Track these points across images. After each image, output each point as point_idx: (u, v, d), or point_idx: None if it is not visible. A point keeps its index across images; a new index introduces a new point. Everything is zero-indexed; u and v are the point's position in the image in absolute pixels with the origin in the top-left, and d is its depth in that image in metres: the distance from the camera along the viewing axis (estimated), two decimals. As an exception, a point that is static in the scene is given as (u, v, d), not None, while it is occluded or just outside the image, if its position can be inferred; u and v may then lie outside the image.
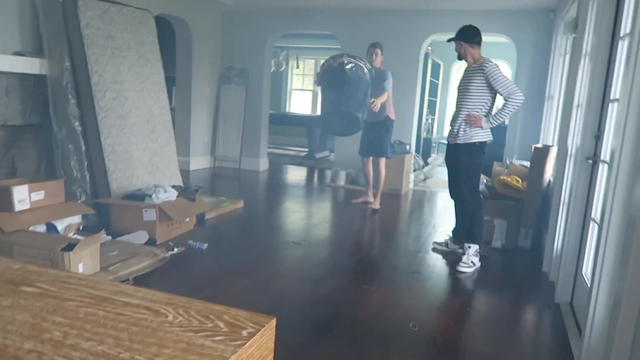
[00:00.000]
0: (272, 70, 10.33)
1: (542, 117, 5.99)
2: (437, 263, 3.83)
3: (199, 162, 7.43)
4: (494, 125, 3.51)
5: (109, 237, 3.61)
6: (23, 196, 3.20)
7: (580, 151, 2.89)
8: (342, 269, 3.63)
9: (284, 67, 9.98)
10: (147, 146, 4.44)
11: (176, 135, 7.26)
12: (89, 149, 4.00)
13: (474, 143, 3.55)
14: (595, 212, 2.70)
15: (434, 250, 4.06)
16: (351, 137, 5.47)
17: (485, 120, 3.51)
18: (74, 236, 3.34)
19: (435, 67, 8.88)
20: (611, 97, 2.64)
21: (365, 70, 4.86)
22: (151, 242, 3.66)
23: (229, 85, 7.56)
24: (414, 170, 7.30)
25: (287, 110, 11.88)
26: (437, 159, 7.67)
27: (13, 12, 3.97)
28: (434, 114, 9.18)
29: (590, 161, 2.76)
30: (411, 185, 7.00)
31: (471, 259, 3.61)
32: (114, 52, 4.15)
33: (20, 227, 3.07)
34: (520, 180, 4.55)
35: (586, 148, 2.85)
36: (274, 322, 0.77)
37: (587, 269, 2.87)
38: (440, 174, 7.84)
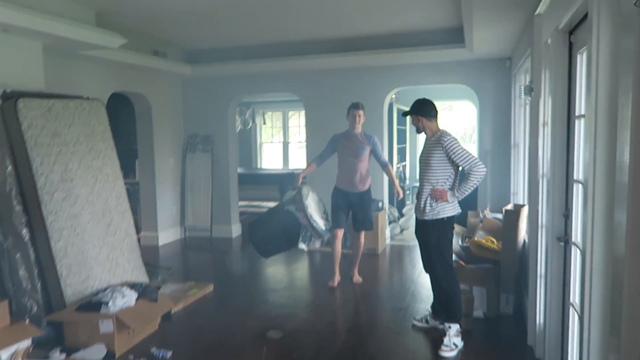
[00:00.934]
0: (239, 129, 10.27)
1: (511, 164, 5.96)
2: (419, 347, 3.63)
3: (168, 235, 7.16)
4: (460, 198, 3.40)
5: (63, 355, 3.32)
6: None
7: (550, 230, 2.77)
8: (318, 364, 3.39)
9: (250, 124, 9.89)
10: (104, 242, 4.19)
11: (142, 209, 7.04)
12: (39, 256, 3.75)
13: (442, 219, 3.43)
14: (574, 296, 2.56)
15: (414, 328, 3.86)
16: (327, 195, 5.24)
17: (450, 193, 3.40)
18: (22, 363, 3.05)
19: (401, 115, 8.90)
20: (574, 178, 2.54)
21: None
22: (109, 356, 3.38)
23: (193, 153, 7.39)
24: (389, 223, 7.17)
25: (258, 166, 11.74)
26: (412, 209, 7.56)
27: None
28: (404, 160, 9.14)
29: (562, 243, 2.64)
30: (388, 241, 6.85)
31: (453, 341, 3.42)
32: (61, 150, 3.95)
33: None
34: (495, 241, 4.44)
35: (556, 227, 2.73)
36: None
37: (573, 351, 2.71)
38: (417, 222, 7.77)
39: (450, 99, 10.17)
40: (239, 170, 10.23)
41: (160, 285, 4.52)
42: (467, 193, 3.37)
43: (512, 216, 4.03)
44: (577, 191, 2.52)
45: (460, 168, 3.45)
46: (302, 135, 9.39)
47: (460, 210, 3.50)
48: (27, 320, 3.51)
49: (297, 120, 11.85)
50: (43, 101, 3.92)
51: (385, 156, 5.00)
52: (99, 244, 4.12)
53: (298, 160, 11.14)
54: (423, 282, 5.03)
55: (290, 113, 11.76)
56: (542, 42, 3.24)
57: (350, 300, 4.80)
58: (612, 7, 1.76)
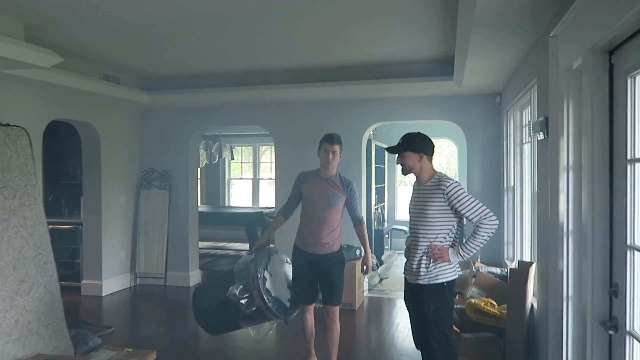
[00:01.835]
0: (204, 164, 9.50)
1: (504, 210, 5.35)
2: None
3: (115, 283, 6.23)
4: (465, 258, 2.70)
5: None
6: None
7: (589, 310, 2.09)
8: None
9: (217, 159, 9.14)
10: (13, 303, 3.32)
11: (84, 255, 6.13)
12: None
13: (442, 284, 2.71)
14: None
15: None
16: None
17: (452, 252, 2.70)
18: None
19: (380, 152, 8.30)
20: (628, 243, 1.88)
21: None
22: None
23: (149, 190, 6.57)
24: (365, 273, 6.40)
25: (226, 203, 10.91)
26: (392, 255, 6.85)
27: None
28: (382, 201, 8.49)
29: (610, 331, 1.94)
30: (366, 292, 6.08)
31: None
32: (-40, 188, 3.13)
33: None
34: (495, 304, 3.75)
35: (597, 307, 2.05)
36: None
37: None
38: (398, 270, 7.01)
39: (431, 136, 9.65)
40: (203, 208, 9.42)
41: (89, 357, 3.64)
42: (474, 252, 2.69)
43: (520, 278, 3.34)
44: (632, 260, 1.86)
45: (463, 220, 2.77)
46: (274, 172, 8.70)
47: (461, 272, 2.80)
48: None
49: (270, 156, 11.16)
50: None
51: (362, 207, 3.90)
52: (5, 307, 3.25)
53: (270, 198, 10.38)
54: (406, 342, 4.27)
55: (263, 148, 11.08)
56: (560, 68, 2.65)
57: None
58: None
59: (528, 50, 3.74)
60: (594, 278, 2.06)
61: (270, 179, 10.68)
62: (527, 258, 4.28)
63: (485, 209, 2.64)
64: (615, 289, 1.96)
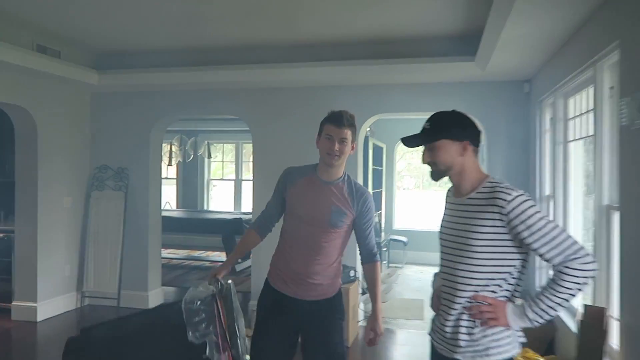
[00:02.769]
0: (177, 161, 8.41)
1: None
2: None
3: (56, 305, 5.09)
4: (535, 324, 1.62)
5: None
6: None
7: None
8: None
9: (192, 156, 8.03)
10: None
11: (16, 270, 4.96)
12: None
13: (496, 362, 1.63)
14: None
15: None
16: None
17: (514, 311, 1.62)
18: None
19: (377, 152, 7.25)
20: None
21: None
22: None
23: (101, 191, 5.45)
24: (362, 294, 5.33)
25: (205, 207, 9.78)
26: (392, 273, 5.76)
27: None
28: (379, 208, 7.42)
29: None
30: (362, 322, 5.00)
31: None
32: None
33: None
34: (540, 358, 2.70)
35: None
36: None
37: None
38: (398, 291, 5.93)
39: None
40: (176, 213, 8.30)
41: None
42: (553, 314, 1.60)
43: (597, 333, 2.27)
44: None
45: (528, 257, 1.68)
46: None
47: (525, 339, 1.73)
48: None
49: (254, 155, 10.05)
50: None
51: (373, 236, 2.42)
52: None
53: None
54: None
55: (246, 146, 9.97)
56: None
57: None
58: None
59: (593, 11, 2.69)
60: None
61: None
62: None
63: (574, 244, 1.55)
64: None
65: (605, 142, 2.65)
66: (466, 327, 1.65)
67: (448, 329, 1.69)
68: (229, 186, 10.16)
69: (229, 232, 7.15)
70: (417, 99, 4.84)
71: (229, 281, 2.32)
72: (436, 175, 1.77)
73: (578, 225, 3.43)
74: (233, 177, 10.06)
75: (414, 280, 7.08)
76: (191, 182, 9.83)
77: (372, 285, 2.33)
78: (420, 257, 8.16)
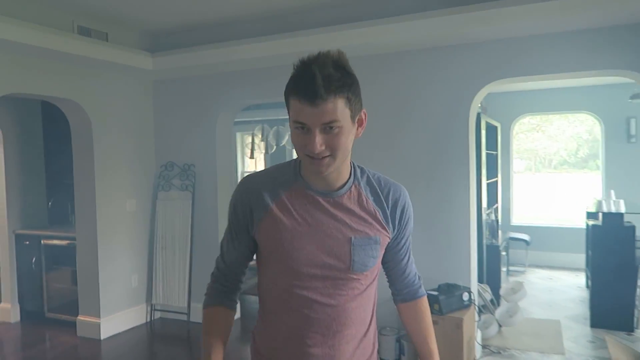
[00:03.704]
0: (259, 154, 7.70)
1: None
2: None
3: (123, 320, 4.57)
4: None
5: None
6: None
7: None
8: None
9: (274, 148, 7.25)
10: None
11: (79, 282, 4.48)
12: None
13: None
14: None
15: None
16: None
17: None
18: None
19: (491, 133, 5.89)
20: None
21: None
22: None
23: (167, 191, 4.83)
24: (479, 314, 4.13)
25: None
26: (518, 288, 4.46)
27: None
28: (495, 202, 6.07)
29: None
30: (479, 354, 3.84)
31: None
32: None
33: None
34: None
35: None
36: None
37: None
38: (523, 306, 4.61)
39: (561, 110, 7.01)
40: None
41: None
42: None
43: None
44: None
45: None
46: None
47: None
48: None
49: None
50: None
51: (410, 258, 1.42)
52: None
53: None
54: None
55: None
56: None
57: None
58: None
59: None
60: None
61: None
62: None
63: None
64: None
65: None
66: None
67: None
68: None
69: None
70: (559, 53, 3.48)
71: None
72: None
73: None
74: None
75: (543, 290, 5.68)
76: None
77: (422, 335, 1.39)
78: (545, 258, 6.73)
